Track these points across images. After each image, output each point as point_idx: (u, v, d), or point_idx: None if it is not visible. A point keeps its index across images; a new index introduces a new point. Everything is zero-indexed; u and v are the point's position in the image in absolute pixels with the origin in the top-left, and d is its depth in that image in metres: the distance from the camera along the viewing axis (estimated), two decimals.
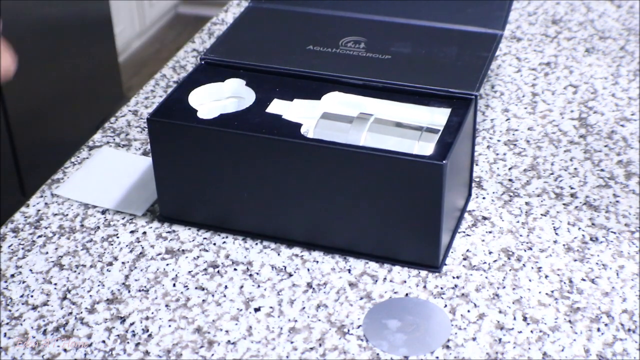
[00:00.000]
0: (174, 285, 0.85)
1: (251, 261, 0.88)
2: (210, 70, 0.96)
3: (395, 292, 0.84)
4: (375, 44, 0.97)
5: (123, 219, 0.94)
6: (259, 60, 0.95)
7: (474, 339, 0.79)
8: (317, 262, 0.88)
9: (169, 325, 0.81)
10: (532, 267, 0.86)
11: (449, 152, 0.81)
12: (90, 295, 0.84)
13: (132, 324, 0.81)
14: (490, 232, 0.91)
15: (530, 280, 0.85)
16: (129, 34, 2.96)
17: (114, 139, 1.07)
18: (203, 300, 0.83)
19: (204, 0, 3.26)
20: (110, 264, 0.88)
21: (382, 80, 0.91)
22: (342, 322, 0.81)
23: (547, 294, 0.83)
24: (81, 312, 0.82)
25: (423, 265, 0.86)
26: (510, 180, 0.99)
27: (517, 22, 1.32)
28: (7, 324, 0.81)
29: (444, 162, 0.80)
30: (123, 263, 0.88)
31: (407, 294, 0.84)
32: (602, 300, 0.82)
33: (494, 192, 0.97)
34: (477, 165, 1.01)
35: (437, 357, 0.77)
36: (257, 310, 0.82)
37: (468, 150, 0.92)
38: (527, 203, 0.95)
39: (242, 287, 0.85)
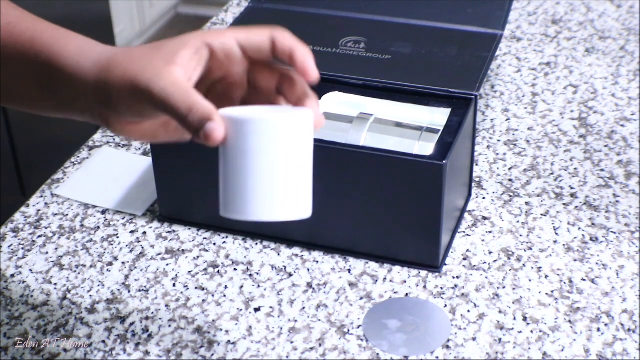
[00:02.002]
0: (174, 285, 0.85)
1: (251, 261, 0.88)
2: None
3: (395, 292, 0.84)
4: (375, 44, 0.97)
5: (123, 219, 0.94)
6: None
7: (474, 339, 0.79)
8: (317, 262, 0.87)
9: (169, 325, 0.81)
10: (532, 267, 0.86)
11: (449, 152, 0.81)
12: (90, 295, 0.84)
13: (132, 324, 0.81)
14: (490, 232, 0.91)
15: (530, 280, 0.85)
16: (129, 34, 2.96)
17: (114, 139, 1.07)
18: (203, 300, 0.83)
19: (204, 0, 3.26)
20: (110, 264, 0.88)
21: (382, 80, 0.91)
22: (342, 322, 0.81)
23: (547, 294, 0.83)
24: (81, 312, 0.82)
25: (423, 265, 0.86)
26: (510, 180, 0.99)
27: (517, 22, 1.32)
28: (7, 324, 0.81)
29: (444, 162, 0.80)
30: (123, 263, 0.88)
31: (407, 294, 0.84)
32: (602, 300, 0.82)
33: (494, 192, 0.97)
34: (477, 165, 1.01)
35: (437, 357, 0.77)
36: (257, 310, 0.82)
37: (468, 150, 0.92)
38: (527, 203, 0.95)
39: (242, 287, 0.85)
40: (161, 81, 0.60)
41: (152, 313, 0.82)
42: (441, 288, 0.84)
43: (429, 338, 0.79)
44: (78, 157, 1.04)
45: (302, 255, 0.88)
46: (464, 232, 0.91)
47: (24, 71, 0.67)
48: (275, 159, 0.60)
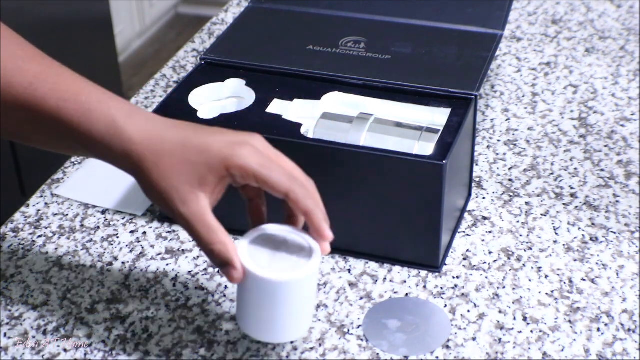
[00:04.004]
0: (174, 285, 0.85)
1: None
2: (210, 70, 0.96)
3: (395, 292, 0.84)
4: (375, 44, 0.97)
5: (123, 219, 0.94)
6: (259, 60, 0.95)
7: (474, 339, 0.79)
8: None
9: (169, 325, 0.81)
10: (532, 267, 0.86)
11: (449, 152, 0.81)
12: (90, 295, 0.84)
13: (132, 324, 0.81)
14: (490, 232, 0.91)
15: (530, 280, 0.85)
16: (129, 34, 2.96)
17: None
18: (203, 300, 0.83)
19: (204, 0, 3.26)
20: (110, 264, 0.88)
21: (382, 80, 0.91)
22: (342, 322, 0.81)
23: (547, 294, 0.83)
24: (81, 312, 0.82)
25: (423, 265, 0.86)
26: (510, 180, 0.99)
27: (517, 22, 1.32)
28: (7, 324, 0.81)
29: (444, 162, 0.80)
30: (123, 263, 0.88)
31: (407, 294, 0.84)
32: (602, 300, 0.82)
33: (494, 192, 0.97)
34: (477, 165, 1.01)
35: (437, 357, 0.77)
36: None
37: (468, 150, 0.92)
38: (527, 203, 0.95)
39: None
40: (186, 208, 0.68)
41: (152, 313, 0.82)
42: (441, 288, 0.84)
43: (429, 338, 0.79)
44: (78, 157, 1.04)
45: None
46: (464, 232, 0.91)
47: (51, 137, 0.71)
48: (287, 305, 0.69)
